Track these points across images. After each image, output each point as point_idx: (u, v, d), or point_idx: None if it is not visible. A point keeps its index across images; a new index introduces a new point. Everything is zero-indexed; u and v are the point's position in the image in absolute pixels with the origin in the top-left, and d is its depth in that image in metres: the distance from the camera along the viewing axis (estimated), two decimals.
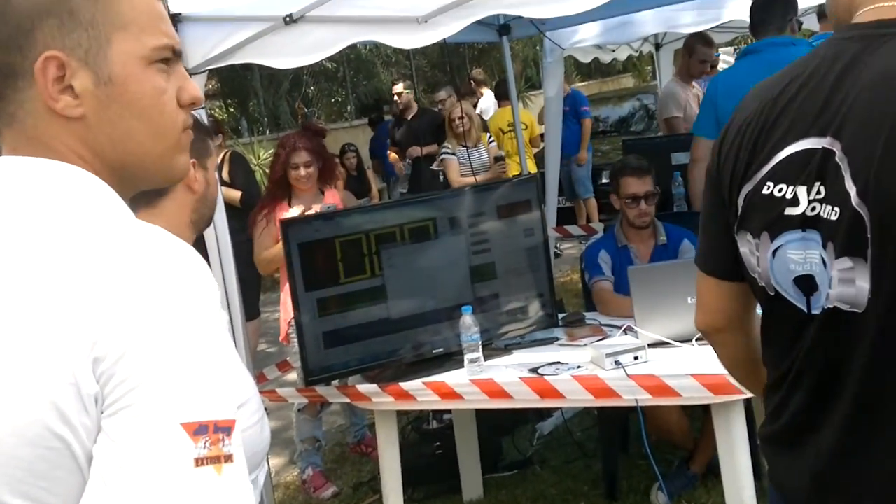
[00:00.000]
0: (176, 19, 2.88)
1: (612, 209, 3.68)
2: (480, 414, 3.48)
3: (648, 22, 5.40)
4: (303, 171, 3.68)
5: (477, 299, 2.99)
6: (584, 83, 16.23)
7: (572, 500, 3.45)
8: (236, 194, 4.84)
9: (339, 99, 15.00)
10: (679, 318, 2.72)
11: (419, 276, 2.95)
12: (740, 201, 1.17)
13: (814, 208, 1.06)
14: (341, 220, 2.98)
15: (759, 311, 1.27)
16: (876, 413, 1.05)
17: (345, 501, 3.82)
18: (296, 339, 3.13)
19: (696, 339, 2.71)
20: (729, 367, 1.43)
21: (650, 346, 2.72)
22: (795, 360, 1.16)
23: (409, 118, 7.04)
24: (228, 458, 0.73)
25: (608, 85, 17.30)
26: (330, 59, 13.21)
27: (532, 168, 6.62)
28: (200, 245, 3.10)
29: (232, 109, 14.36)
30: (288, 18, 2.77)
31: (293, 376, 4.03)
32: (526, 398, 2.70)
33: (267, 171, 4.19)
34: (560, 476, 3.67)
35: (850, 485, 1.09)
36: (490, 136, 5.98)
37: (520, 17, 3.12)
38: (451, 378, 2.81)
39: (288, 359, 3.81)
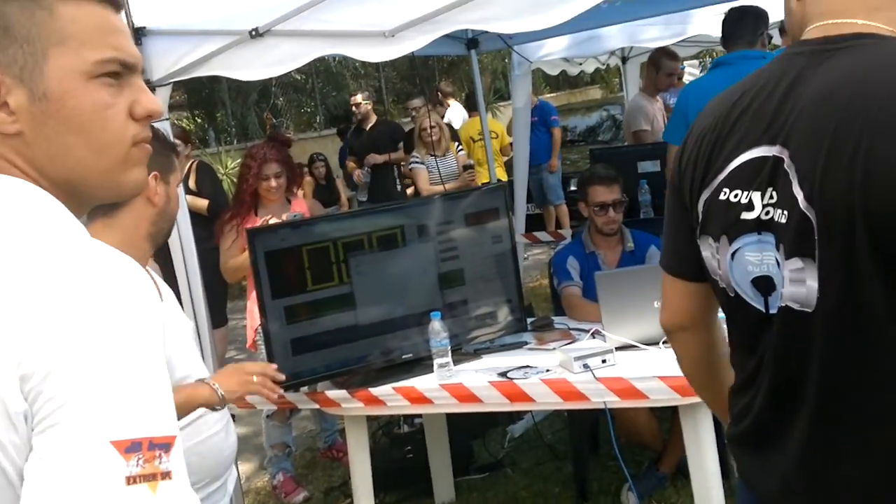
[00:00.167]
0: (140, 33, 2.88)
1: (582, 216, 3.73)
2: (451, 417, 3.49)
3: (615, 36, 5.49)
4: (273, 183, 3.70)
5: (446, 305, 3.01)
6: (552, 94, 16.37)
7: (543, 502, 3.48)
8: (203, 203, 4.83)
9: (309, 109, 14.98)
10: (646, 321, 2.76)
11: (388, 283, 2.96)
12: (700, 207, 1.22)
13: (767, 212, 1.10)
14: (308, 229, 2.98)
15: (722, 315, 1.31)
16: (834, 413, 1.08)
17: None
18: (263, 346, 3.12)
19: (663, 342, 2.74)
20: (688, 368, 1.45)
21: (618, 349, 2.76)
22: (757, 361, 1.19)
23: (367, 128, 7.09)
24: (166, 475, 0.71)
25: (576, 96, 17.48)
26: (299, 70, 13.23)
27: (503, 176, 6.68)
28: (165, 253, 3.09)
29: (199, 120, 14.26)
30: (254, 32, 2.77)
31: None
32: (495, 402, 2.72)
33: (234, 180, 4.17)
34: (531, 478, 3.69)
35: (814, 486, 1.12)
36: (459, 146, 6.03)
37: (488, 31, 3.16)
38: (420, 383, 2.82)
39: None
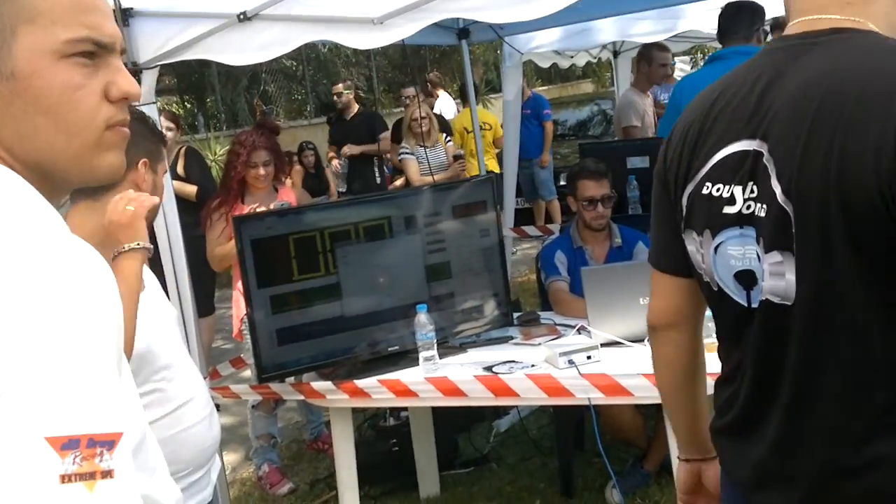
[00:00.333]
0: (127, 14, 2.85)
1: (571, 211, 3.72)
2: (437, 411, 3.49)
3: (607, 30, 5.47)
4: (262, 171, 3.68)
5: (432, 298, 3.00)
6: (544, 87, 16.34)
7: (528, 498, 3.48)
8: (192, 189, 4.81)
9: (299, 97, 14.90)
10: (631, 318, 2.76)
11: (374, 274, 2.95)
12: (684, 201, 1.23)
13: (749, 206, 1.12)
14: (295, 217, 2.97)
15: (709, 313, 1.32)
16: (810, 404, 1.09)
17: (301, 498, 3.79)
18: (249, 336, 3.10)
19: (648, 339, 2.74)
20: (665, 370, 1.44)
21: (603, 345, 2.76)
22: (742, 354, 1.20)
23: (348, 118, 7.06)
24: (106, 473, 0.67)
25: (568, 90, 17.46)
26: (289, 57, 13.17)
27: (495, 167, 6.67)
28: (152, 240, 3.06)
29: (189, 105, 14.16)
30: (242, 16, 2.75)
31: (248, 373, 3.99)
32: (480, 396, 2.72)
33: (223, 166, 4.15)
34: (516, 473, 3.69)
35: (787, 473, 1.13)
36: (447, 137, 6.02)
37: (479, 21, 3.15)
38: (405, 376, 2.81)
39: (242, 355, 3.78)
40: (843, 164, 0.97)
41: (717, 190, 1.16)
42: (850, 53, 1.05)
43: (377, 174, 6.96)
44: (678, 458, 1.51)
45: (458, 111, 8.18)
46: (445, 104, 8.42)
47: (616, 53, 6.83)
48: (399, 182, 7.10)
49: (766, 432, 1.15)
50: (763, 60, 1.16)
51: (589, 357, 2.68)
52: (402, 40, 2.79)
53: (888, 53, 1.03)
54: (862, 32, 1.07)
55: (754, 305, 1.15)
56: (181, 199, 4.48)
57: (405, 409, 3.70)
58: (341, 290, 2.89)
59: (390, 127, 8.31)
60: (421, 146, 5.42)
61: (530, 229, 5.86)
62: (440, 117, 7.32)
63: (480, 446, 3.93)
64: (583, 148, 5.07)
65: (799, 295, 1.06)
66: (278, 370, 2.87)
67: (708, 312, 1.33)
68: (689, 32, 5.51)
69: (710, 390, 1.36)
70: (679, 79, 6.46)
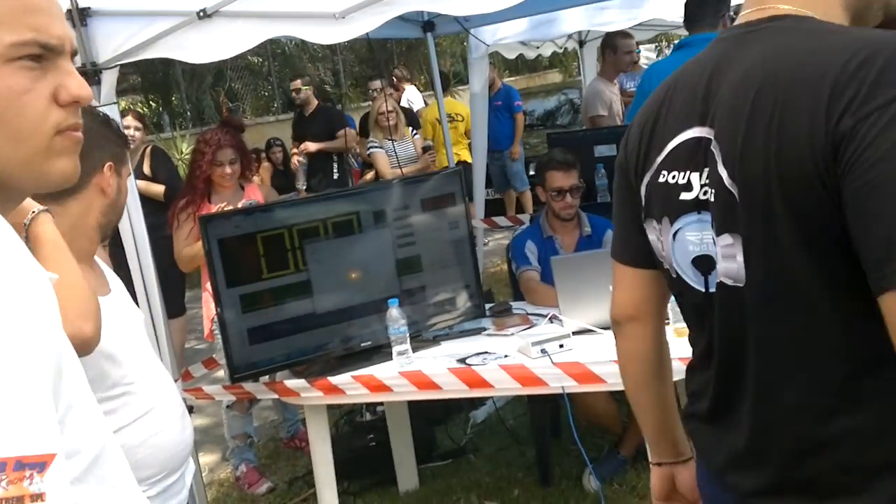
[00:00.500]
0: (85, 13, 2.80)
1: (541, 200, 3.73)
2: (413, 404, 3.49)
3: (572, 20, 5.48)
4: (228, 169, 3.65)
5: (404, 292, 2.99)
6: (512, 78, 16.37)
7: (507, 487, 3.50)
8: (159, 189, 4.76)
9: (266, 94, 14.78)
10: (602, 305, 2.72)
11: (345, 270, 2.94)
12: (643, 191, 1.25)
13: (705, 192, 1.13)
14: (262, 215, 2.94)
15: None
16: (773, 383, 1.11)
17: (280, 497, 3.77)
18: (220, 336, 3.07)
19: (613, 334, 2.76)
20: (630, 365, 1.43)
21: (575, 333, 2.77)
22: (707, 339, 1.21)
23: (307, 114, 7.03)
24: (37, 497, 0.65)
25: (535, 80, 17.51)
26: (255, 53, 13.04)
27: (468, 158, 6.66)
28: (118, 242, 3.02)
29: (154, 104, 13.98)
30: (202, 13, 2.71)
31: (222, 373, 3.96)
32: (455, 388, 2.72)
33: (188, 165, 4.11)
34: (494, 464, 3.71)
35: (760, 453, 1.15)
36: (414, 131, 6.02)
37: (444, 14, 3.14)
38: (379, 371, 2.80)
39: (214, 356, 3.75)
40: (780, 147, 1.00)
41: (673, 177, 1.18)
42: (786, 39, 1.08)
43: (335, 170, 6.90)
44: (650, 462, 1.49)
45: (427, 104, 8.16)
46: (413, 97, 8.39)
47: (582, 43, 6.85)
48: (369, 176, 7.08)
49: (740, 417, 1.16)
50: (712, 50, 1.19)
51: (561, 346, 2.69)
52: (367, 34, 2.77)
53: (820, 36, 1.05)
54: (799, 18, 1.10)
55: (712, 290, 1.16)
56: (149, 200, 4.44)
57: (381, 403, 3.70)
58: (312, 287, 2.88)
59: (357, 121, 8.26)
60: (389, 139, 5.40)
61: (501, 220, 5.87)
62: (408, 110, 7.31)
63: (458, 438, 3.94)
64: (551, 138, 5.09)
65: (748, 276, 1.08)
66: (251, 370, 2.85)
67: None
68: (653, 21, 5.54)
69: (681, 376, 1.36)
70: (645, 67, 6.51)
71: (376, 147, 5.59)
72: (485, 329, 3.12)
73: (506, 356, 2.76)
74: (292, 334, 2.86)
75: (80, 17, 2.78)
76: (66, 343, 0.80)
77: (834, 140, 0.95)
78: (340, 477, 3.11)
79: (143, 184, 4.46)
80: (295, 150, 7.29)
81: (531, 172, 7.59)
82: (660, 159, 1.21)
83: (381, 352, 2.90)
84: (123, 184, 1.85)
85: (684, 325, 1.32)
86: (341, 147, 6.82)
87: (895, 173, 0.90)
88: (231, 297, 2.77)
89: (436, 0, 2.69)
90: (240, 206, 3.53)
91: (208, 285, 3.39)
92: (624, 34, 5.29)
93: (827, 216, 0.98)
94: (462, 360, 2.79)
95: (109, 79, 2.90)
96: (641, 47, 9.59)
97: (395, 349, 2.80)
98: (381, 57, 11.90)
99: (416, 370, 2.75)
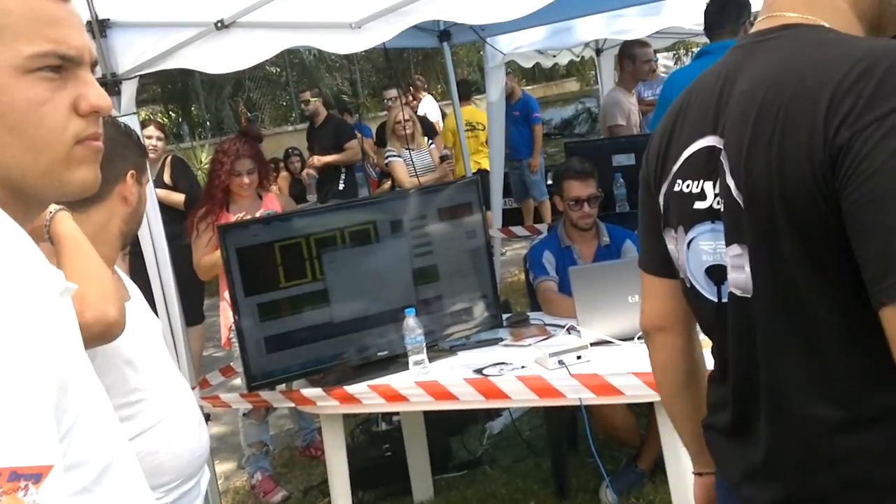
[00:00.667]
0: (104, 25, 2.83)
1: (559, 210, 3.71)
2: (429, 415, 3.48)
3: (588, 28, 5.47)
4: (246, 179, 3.66)
5: (420, 301, 2.99)
6: (529, 87, 16.36)
7: (522, 500, 3.47)
8: (179, 198, 4.80)
9: (284, 103, 14.87)
10: (620, 316, 2.75)
11: (361, 280, 2.94)
12: (661, 199, 1.25)
13: (719, 201, 1.13)
14: (280, 225, 2.95)
15: None
16: (783, 396, 1.09)
17: None
18: (238, 344, 3.08)
19: (638, 338, 2.74)
20: (661, 375, 1.42)
21: (593, 344, 2.75)
22: (724, 351, 1.20)
23: (317, 126, 7.06)
24: None
25: (552, 89, 17.50)
26: (273, 63, 13.13)
27: (489, 167, 6.66)
28: (139, 250, 3.04)
29: (173, 114, 14.11)
30: (220, 24, 2.73)
31: (239, 381, 3.97)
32: (471, 399, 2.71)
33: (207, 175, 4.14)
34: (510, 475, 3.68)
35: (773, 467, 1.13)
36: (430, 140, 6.02)
37: (460, 23, 3.14)
38: (396, 380, 2.80)
39: (231, 364, 3.76)
40: (782, 157, 0.99)
41: (688, 186, 1.18)
42: (794, 48, 1.07)
43: (342, 181, 6.92)
44: (692, 472, 1.48)
45: (445, 114, 8.18)
46: (429, 107, 8.42)
47: (599, 51, 6.83)
48: (387, 185, 7.09)
49: (758, 430, 1.15)
50: (727, 59, 1.19)
51: (579, 357, 2.67)
52: (383, 44, 2.78)
53: (827, 46, 1.04)
54: (809, 27, 1.09)
55: (724, 300, 1.16)
56: (169, 209, 4.48)
57: (397, 413, 3.69)
58: (329, 296, 2.88)
59: (374, 130, 8.28)
60: (406, 148, 5.41)
61: (518, 229, 5.85)
62: (424, 119, 7.32)
63: (473, 449, 3.92)
64: (568, 147, 5.07)
65: (756, 287, 1.08)
66: (267, 378, 2.85)
67: None
68: (670, 28, 5.52)
69: None
70: (663, 75, 6.48)
71: (394, 156, 5.60)
72: (502, 339, 3.10)
73: (523, 367, 2.74)
74: (309, 343, 2.86)
75: (99, 28, 2.82)
76: (78, 355, 0.79)
77: (831, 153, 0.94)
78: (355, 486, 3.11)
79: (163, 193, 4.50)
80: (311, 162, 7.34)
81: (549, 182, 7.57)
82: (676, 168, 1.21)
83: (397, 361, 2.90)
84: (143, 192, 1.88)
85: None
86: (349, 159, 6.84)
87: (892, 185, 0.89)
88: (249, 305, 2.78)
89: (452, 9, 2.68)
90: (258, 215, 3.55)
91: (226, 294, 3.40)
92: (641, 43, 5.27)
93: (830, 231, 0.96)
94: (479, 371, 2.77)
95: (129, 89, 2.93)
96: (659, 55, 9.56)
97: (412, 359, 2.79)
98: (397, 66, 11.95)
99: (432, 380, 2.74)
